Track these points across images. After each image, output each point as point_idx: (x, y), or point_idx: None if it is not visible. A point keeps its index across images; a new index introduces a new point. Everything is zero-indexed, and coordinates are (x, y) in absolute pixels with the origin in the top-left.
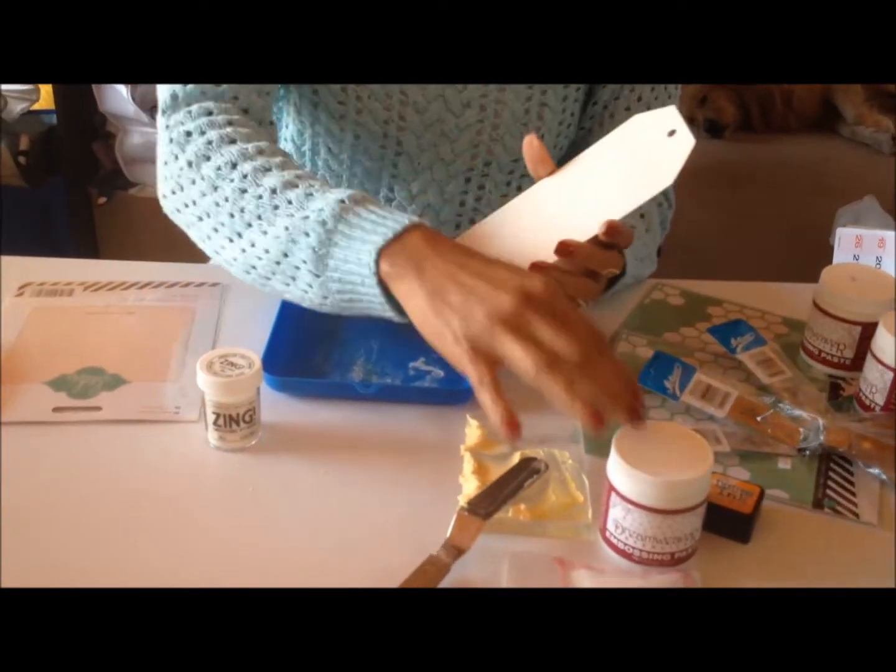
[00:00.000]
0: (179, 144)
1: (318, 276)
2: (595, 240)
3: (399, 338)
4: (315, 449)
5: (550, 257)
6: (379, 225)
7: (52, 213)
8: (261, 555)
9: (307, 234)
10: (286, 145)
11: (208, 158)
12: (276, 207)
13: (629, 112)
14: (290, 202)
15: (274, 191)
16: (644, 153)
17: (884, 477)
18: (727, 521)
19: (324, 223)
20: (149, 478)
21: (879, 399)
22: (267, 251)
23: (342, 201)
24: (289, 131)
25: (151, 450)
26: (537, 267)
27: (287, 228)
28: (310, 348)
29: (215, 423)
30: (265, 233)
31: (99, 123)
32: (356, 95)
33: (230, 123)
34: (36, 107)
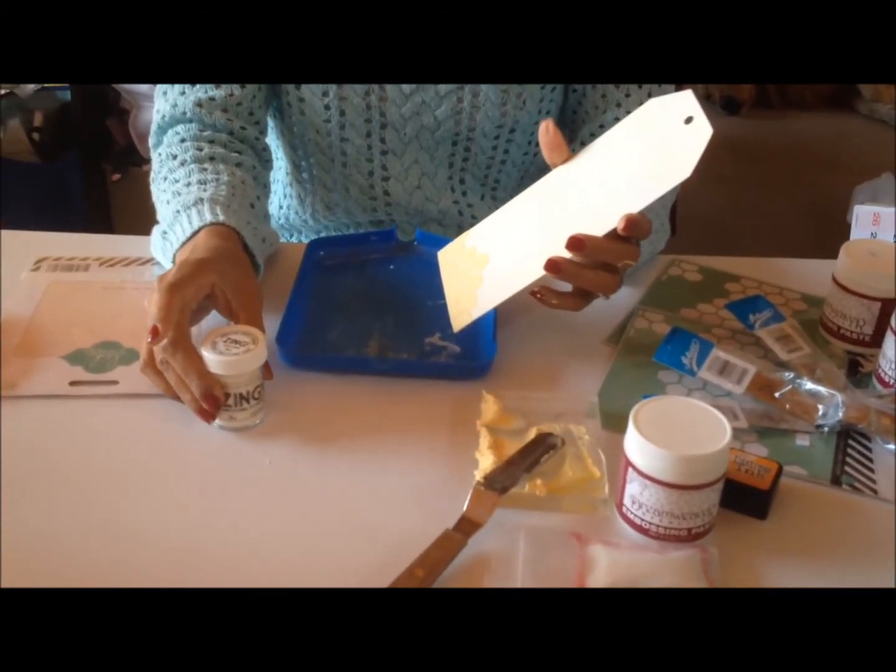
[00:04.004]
0: (155, 165)
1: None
2: (612, 232)
3: (415, 313)
4: (330, 424)
5: (566, 250)
6: (170, 246)
7: (67, 190)
8: (277, 528)
9: (165, 233)
10: (280, 137)
11: (159, 172)
12: (162, 216)
13: None
14: (164, 212)
15: (168, 202)
16: (661, 141)
17: None
18: (745, 498)
19: (164, 233)
20: (165, 451)
21: None
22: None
23: (177, 211)
24: (281, 121)
25: (167, 423)
26: (553, 263)
27: (156, 231)
28: (325, 324)
29: (225, 403)
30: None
31: (113, 100)
32: None
33: (182, 141)
34: (49, 83)
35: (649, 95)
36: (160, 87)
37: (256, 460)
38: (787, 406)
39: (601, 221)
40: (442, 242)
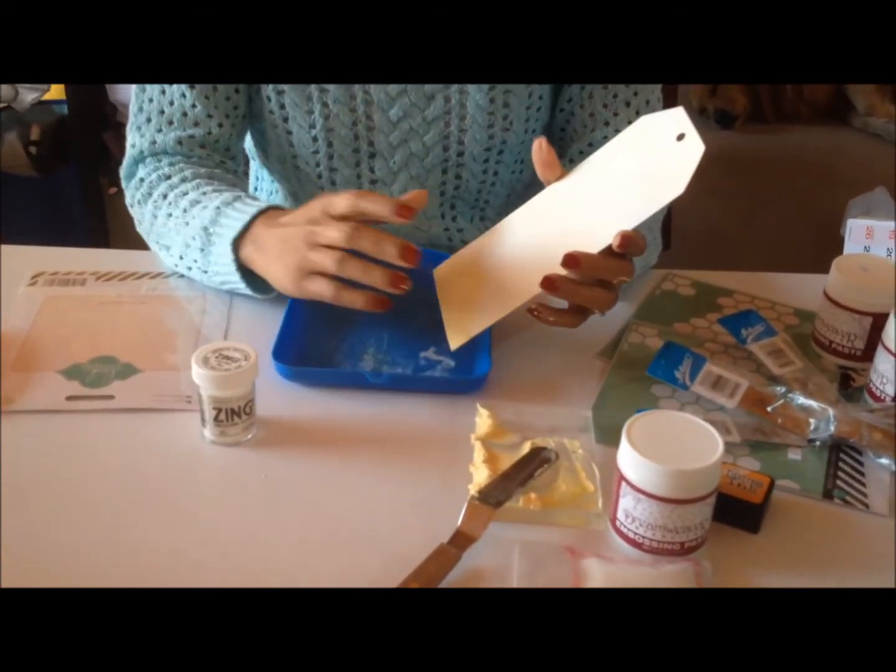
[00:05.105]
0: (136, 189)
1: (206, 272)
2: (607, 249)
3: (409, 327)
4: (326, 438)
5: (561, 267)
6: (235, 220)
7: (65, 203)
8: (271, 544)
9: (194, 239)
10: (261, 173)
11: (150, 195)
12: (186, 224)
13: (607, 89)
14: (193, 216)
15: (185, 210)
16: (653, 159)
17: (894, 467)
18: (737, 511)
19: (205, 229)
20: (161, 466)
21: (890, 389)
22: (182, 257)
23: (217, 207)
24: (265, 157)
25: (163, 438)
26: (549, 281)
27: (185, 236)
28: (320, 338)
29: (216, 418)
30: (178, 243)
31: (109, 113)
32: (321, 102)
33: (171, 164)
34: (47, 97)
35: (637, 114)
36: (133, 122)
37: (252, 473)
38: (780, 420)
39: (596, 238)
40: (438, 258)
